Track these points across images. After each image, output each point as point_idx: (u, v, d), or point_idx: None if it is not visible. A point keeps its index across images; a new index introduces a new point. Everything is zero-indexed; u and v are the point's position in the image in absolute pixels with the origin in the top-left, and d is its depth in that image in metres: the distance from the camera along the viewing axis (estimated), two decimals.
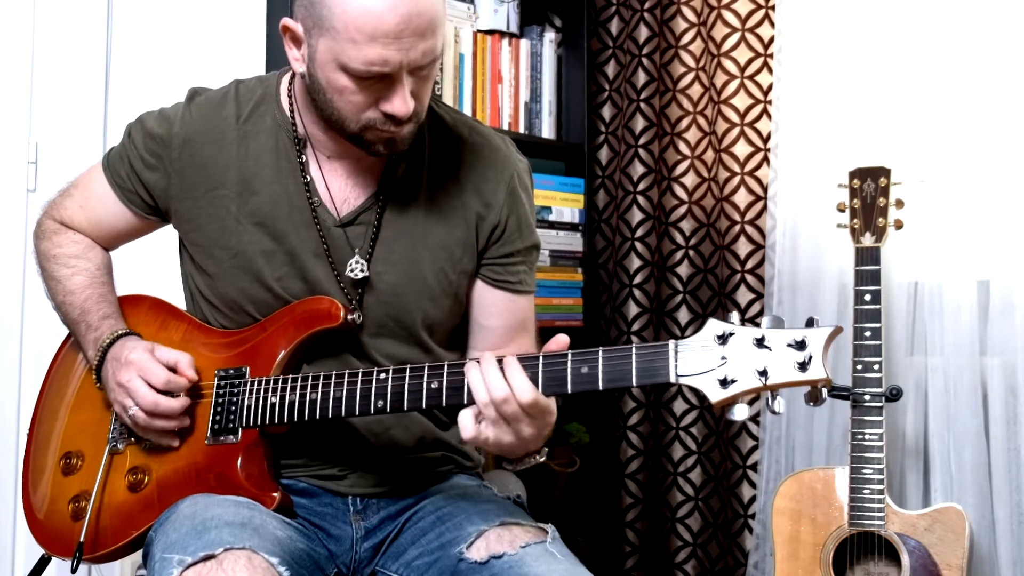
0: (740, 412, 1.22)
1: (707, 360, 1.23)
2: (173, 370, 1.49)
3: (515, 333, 1.62)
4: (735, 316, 1.25)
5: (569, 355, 1.29)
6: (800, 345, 1.20)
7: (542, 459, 1.40)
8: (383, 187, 1.55)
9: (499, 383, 1.28)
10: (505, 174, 1.60)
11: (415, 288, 1.55)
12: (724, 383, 1.21)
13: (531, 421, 1.30)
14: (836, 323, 1.22)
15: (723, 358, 1.22)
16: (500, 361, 1.30)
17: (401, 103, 1.40)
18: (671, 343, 1.25)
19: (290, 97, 1.56)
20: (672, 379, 1.24)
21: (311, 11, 1.39)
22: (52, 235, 1.69)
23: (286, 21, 1.44)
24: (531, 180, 1.67)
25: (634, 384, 1.27)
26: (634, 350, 1.26)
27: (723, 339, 1.22)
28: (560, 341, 1.31)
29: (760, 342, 1.21)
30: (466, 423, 1.31)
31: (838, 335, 1.22)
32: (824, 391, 1.23)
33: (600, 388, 1.27)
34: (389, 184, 1.55)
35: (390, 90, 1.40)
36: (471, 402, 1.33)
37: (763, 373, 1.20)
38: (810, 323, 1.22)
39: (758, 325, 1.23)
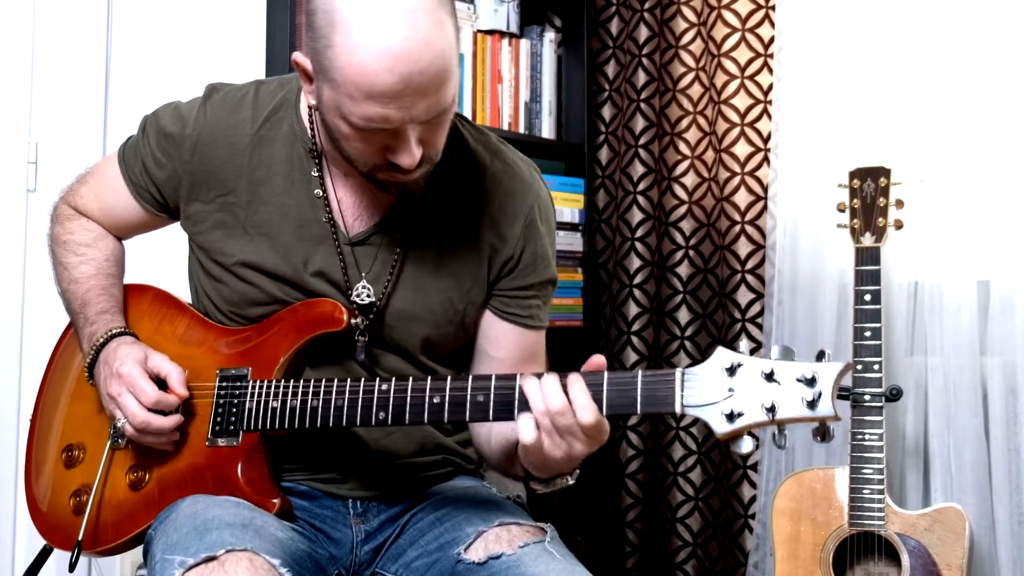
0: (746, 445, 1.20)
1: (714, 391, 1.20)
2: (164, 383, 1.46)
3: (523, 366, 1.55)
4: (744, 345, 1.23)
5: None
6: (810, 382, 1.17)
7: (572, 482, 1.38)
8: (397, 210, 1.51)
9: (557, 394, 1.26)
10: (524, 206, 1.54)
11: (418, 315, 1.51)
12: (731, 417, 1.19)
13: (587, 439, 1.27)
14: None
15: (730, 390, 1.20)
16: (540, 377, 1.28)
17: (406, 156, 1.33)
18: (678, 371, 1.23)
19: (310, 107, 1.49)
20: (677, 409, 1.21)
21: (316, 55, 1.31)
22: (65, 221, 1.67)
23: (296, 57, 1.37)
24: (553, 211, 1.61)
25: (638, 412, 1.25)
26: (640, 376, 1.24)
27: (731, 371, 1.20)
28: (595, 362, 1.29)
29: (769, 376, 1.18)
30: (527, 428, 1.28)
31: (848, 371, 1.19)
32: (832, 427, 1.20)
33: (604, 415, 1.26)
34: (404, 209, 1.51)
35: (395, 141, 1.33)
36: (480, 418, 1.32)
37: (771, 409, 1.18)
38: (821, 356, 1.19)
39: (761, 348, 1.21)
